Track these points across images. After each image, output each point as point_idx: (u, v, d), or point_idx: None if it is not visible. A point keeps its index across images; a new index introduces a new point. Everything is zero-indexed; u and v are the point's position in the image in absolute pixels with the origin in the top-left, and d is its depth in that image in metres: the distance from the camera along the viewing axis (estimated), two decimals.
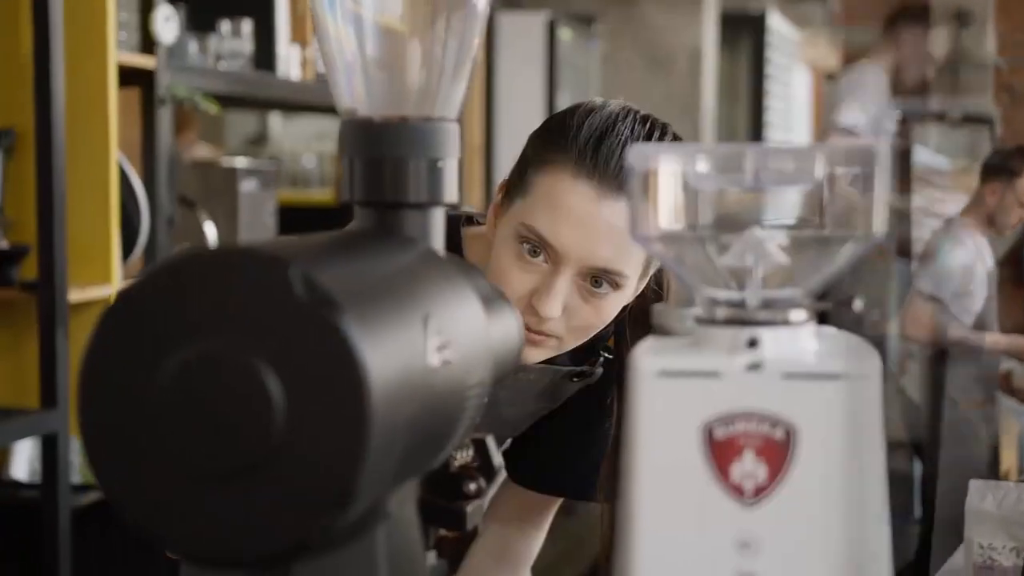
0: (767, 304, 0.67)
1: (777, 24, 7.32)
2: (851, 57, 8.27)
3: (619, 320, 1.35)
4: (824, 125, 4.77)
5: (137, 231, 2.61)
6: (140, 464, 0.60)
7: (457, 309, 0.71)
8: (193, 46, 2.96)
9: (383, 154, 0.73)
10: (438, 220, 0.76)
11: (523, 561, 1.58)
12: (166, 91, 2.68)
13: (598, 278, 1.26)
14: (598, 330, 1.31)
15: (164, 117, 2.72)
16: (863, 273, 4.47)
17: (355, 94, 0.75)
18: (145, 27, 2.68)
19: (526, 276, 1.26)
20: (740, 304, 0.67)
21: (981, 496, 1.75)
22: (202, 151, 4.44)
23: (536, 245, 1.25)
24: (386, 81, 0.75)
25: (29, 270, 2.42)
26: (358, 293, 0.60)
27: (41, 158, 2.35)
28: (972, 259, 4.61)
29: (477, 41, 0.78)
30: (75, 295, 2.42)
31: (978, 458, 4.30)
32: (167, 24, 2.66)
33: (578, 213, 1.24)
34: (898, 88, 4.77)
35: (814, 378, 0.64)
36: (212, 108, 2.82)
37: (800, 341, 0.66)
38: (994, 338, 4.69)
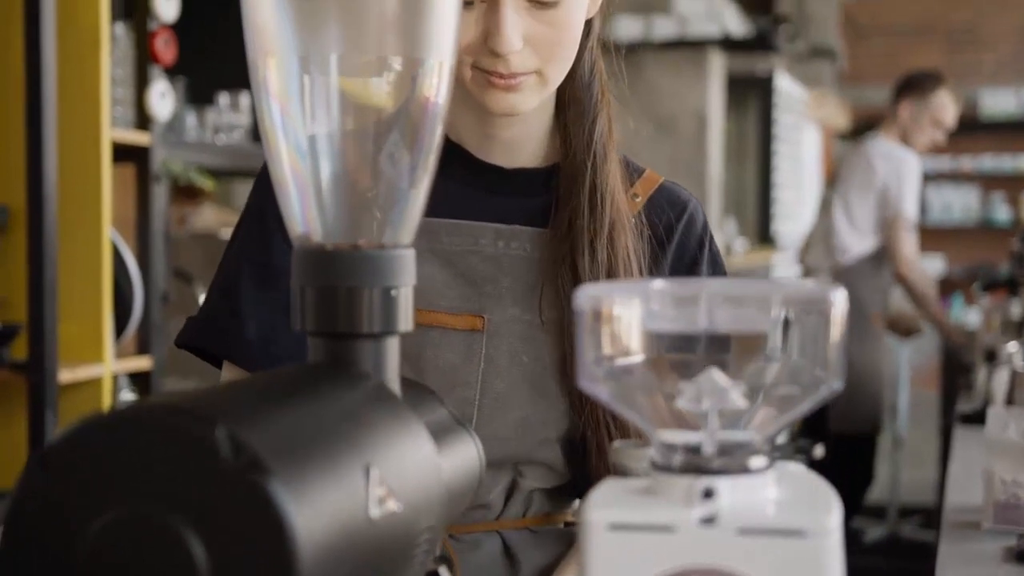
0: (724, 450, 0.64)
1: (786, 85, 7.31)
2: (860, 115, 8.29)
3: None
4: (886, 214, 4.54)
5: (130, 309, 2.58)
6: None
7: (405, 451, 0.68)
8: (192, 119, 2.96)
9: (336, 283, 0.71)
10: (393, 350, 0.73)
11: None
12: (161, 167, 2.67)
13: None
14: (573, 49, 1.24)
15: (159, 193, 2.70)
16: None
17: (308, 220, 0.73)
18: (141, 103, 2.67)
19: (469, 21, 1.19)
20: (696, 449, 0.64)
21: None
22: (210, 217, 4.42)
23: None
24: (339, 207, 0.73)
25: (20, 350, 2.40)
26: (291, 450, 0.58)
27: (33, 236, 2.33)
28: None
29: (433, 160, 0.76)
30: (66, 375, 2.39)
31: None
32: (162, 100, 2.65)
33: None
34: None
35: (772, 534, 0.61)
36: (207, 184, 2.80)
37: (759, 490, 0.63)
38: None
